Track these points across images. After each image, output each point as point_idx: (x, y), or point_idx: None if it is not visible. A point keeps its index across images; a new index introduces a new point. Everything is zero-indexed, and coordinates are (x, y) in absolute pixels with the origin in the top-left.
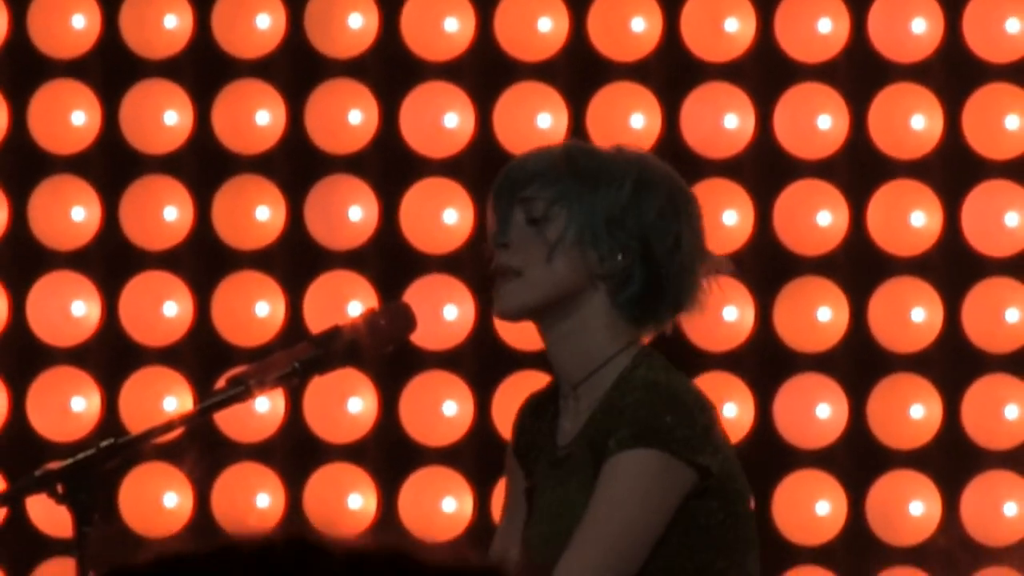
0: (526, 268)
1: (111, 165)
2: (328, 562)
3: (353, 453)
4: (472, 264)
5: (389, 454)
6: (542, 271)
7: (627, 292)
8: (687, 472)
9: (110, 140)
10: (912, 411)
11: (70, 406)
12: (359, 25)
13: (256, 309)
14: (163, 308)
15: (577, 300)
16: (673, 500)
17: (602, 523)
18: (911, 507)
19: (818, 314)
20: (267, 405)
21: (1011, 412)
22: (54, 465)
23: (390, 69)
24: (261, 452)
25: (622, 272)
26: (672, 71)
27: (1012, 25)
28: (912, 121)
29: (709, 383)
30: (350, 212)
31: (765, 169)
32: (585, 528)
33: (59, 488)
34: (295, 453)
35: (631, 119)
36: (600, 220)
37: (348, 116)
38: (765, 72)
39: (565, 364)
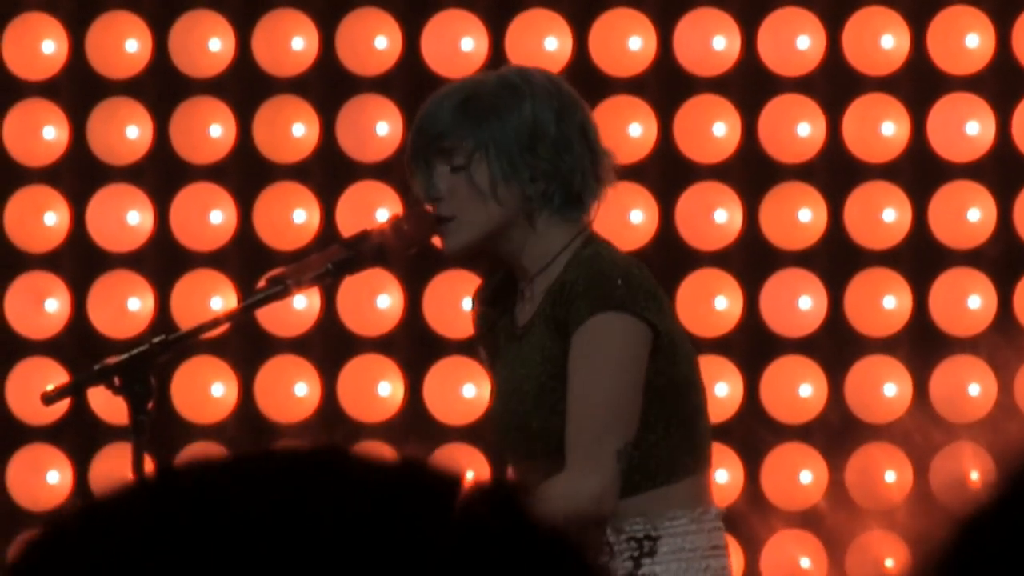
0: (462, 214)
1: (163, 88)
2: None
3: (382, 345)
4: None
5: (414, 346)
6: (479, 213)
7: (555, 203)
8: (643, 327)
9: (161, 65)
10: (885, 302)
11: (127, 306)
12: None
13: (293, 216)
14: (209, 216)
15: (516, 223)
16: (642, 352)
17: (590, 393)
18: (885, 389)
19: (799, 215)
20: (304, 302)
21: (974, 302)
22: (111, 360)
23: (407, 3)
24: (299, 345)
25: (547, 188)
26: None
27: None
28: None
29: (701, 279)
30: (377, 128)
31: (752, 84)
32: (576, 404)
33: (116, 380)
34: (330, 346)
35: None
36: (516, 153)
37: (375, 42)
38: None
39: (521, 266)
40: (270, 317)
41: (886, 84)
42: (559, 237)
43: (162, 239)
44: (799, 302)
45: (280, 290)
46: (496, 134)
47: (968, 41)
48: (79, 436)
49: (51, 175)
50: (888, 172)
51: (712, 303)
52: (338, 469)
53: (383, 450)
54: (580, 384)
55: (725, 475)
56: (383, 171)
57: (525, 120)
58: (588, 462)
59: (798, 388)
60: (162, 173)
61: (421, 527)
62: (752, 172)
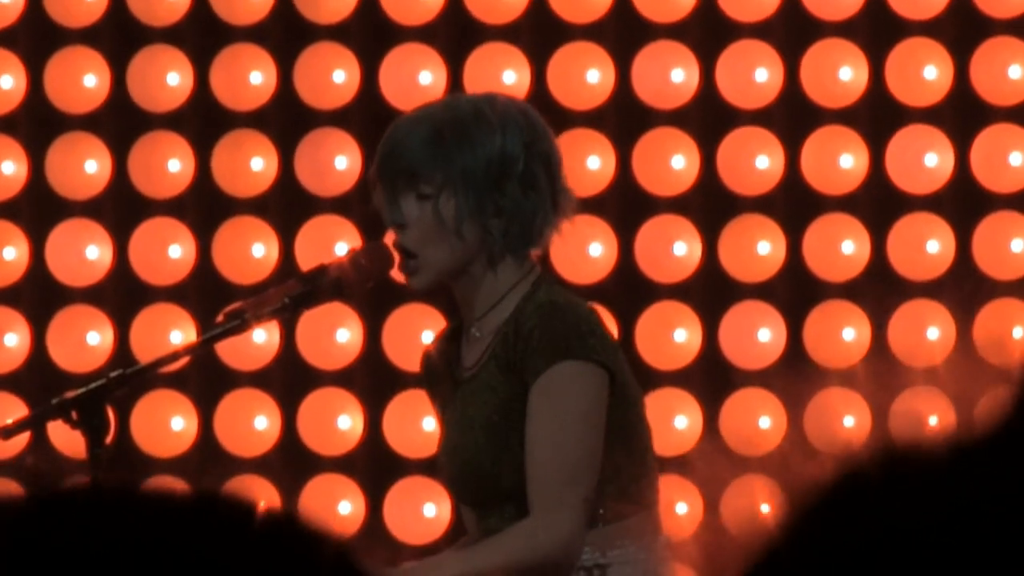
0: (425, 248)
1: (121, 122)
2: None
3: (342, 378)
4: None
5: (374, 379)
6: (442, 248)
7: (511, 239)
8: (601, 372)
9: (119, 100)
10: (844, 334)
11: (86, 340)
12: None
13: (252, 250)
14: (168, 251)
15: (475, 259)
16: (603, 397)
17: (556, 442)
18: (844, 420)
19: (758, 247)
20: (264, 336)
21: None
22: (69, 394)
23: (370, 33)
24: (258, 379)
25: (506, 226)
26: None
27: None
28: (840, 72)
29: (660, 312)
30: (336, 162)
31: (710, 117)
32: (541, 452)
33: (73, 414)
34: (289, 379)
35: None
36: (483, 190)
37: (333, 76)
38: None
39: (469, 304)
40: (230, 351)
41: (844, 116)
42: (509, 273)
43: (121, 273)
44: (758, 334)
45: (239, 324)
46: (467, 170)
47: (926, 72)
48: (40, 468)
49: (10, 210)
50: (847, 204)
51: (671, 335)
52: (130, 504)
53: (336, 483)
54: (544, 434)
55: (684, 507)
56: (342, 205)
57: (495, 154)
58: (557, 509)
59: (758, 420)
60: (121, 207)
61: (213, 555)
62: (711, 204)
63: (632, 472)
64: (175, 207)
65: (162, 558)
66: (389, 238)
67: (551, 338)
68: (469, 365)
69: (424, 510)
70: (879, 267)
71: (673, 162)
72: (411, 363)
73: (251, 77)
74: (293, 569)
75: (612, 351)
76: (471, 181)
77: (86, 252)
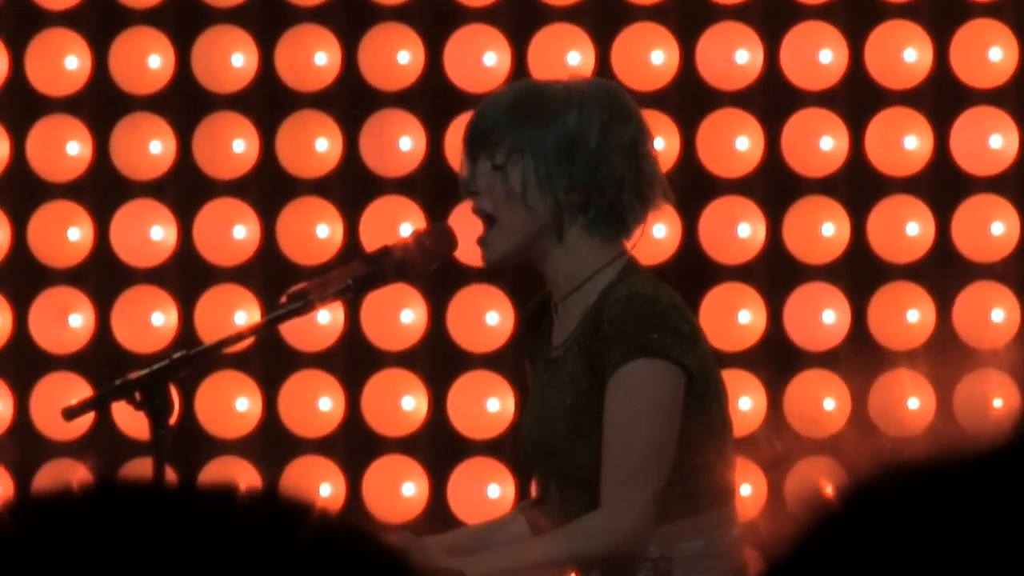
0: (498, 213)
1: (186, 103)
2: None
3: (406, 359)
4: None
5: (438, 360)
6: (513, 216)
7: (590, 216)
8: (678, 371)
9: (184, 81)
10: (908, 315)
11: (150, 321)
12: None
13: (316, 231)
14: (233, 231)
15: (552, 232)
16: (678, 397)
17: (628, 440)
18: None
19: (823, 229)
20: (328, 317)
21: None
22: (133, 375)
23: (435, 14)
24: (322, 360)
25: (582, 201)
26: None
27: (995, 53)
28: (905, 54)
29: (724, 293)
30: (400, 143)
31: (774, 98)
32: (614, 448)
33: (137, 395)
34: (353, 360)
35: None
36: (553, 160)
37: (398, 57)
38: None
39: (554, 282)
40: (294, 332)
41: (909, 97)
42: (592, 256)
43: (185, 254)
44: (823, 316)
45: (303, 305)
46: (535, 137)
47: (991, 54)
48: (102, 451)
49: (75, 190)
50: (911, 185)
51: (736, 317)
52: (187, 502)
53: (399, 464)
54: (616, 430)
55: (748, 489)
56: (406, 186)
57: (568, 128)
58: (624, 504)
59: (822, 402)
60: (185, 188)
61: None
62: (775, 186)
63: (711, 470)
64: (239, 188)
65: (214, 559)
66: (458, 215)
67: (630, 332)
68: (556, 344)
69: (488, 491)
70: (944, 249)
71: (737, 143)
72: (475, 344)
73: (316, 58)
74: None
75: (692, 347)
76: (539, 150)
77: (151, 233)
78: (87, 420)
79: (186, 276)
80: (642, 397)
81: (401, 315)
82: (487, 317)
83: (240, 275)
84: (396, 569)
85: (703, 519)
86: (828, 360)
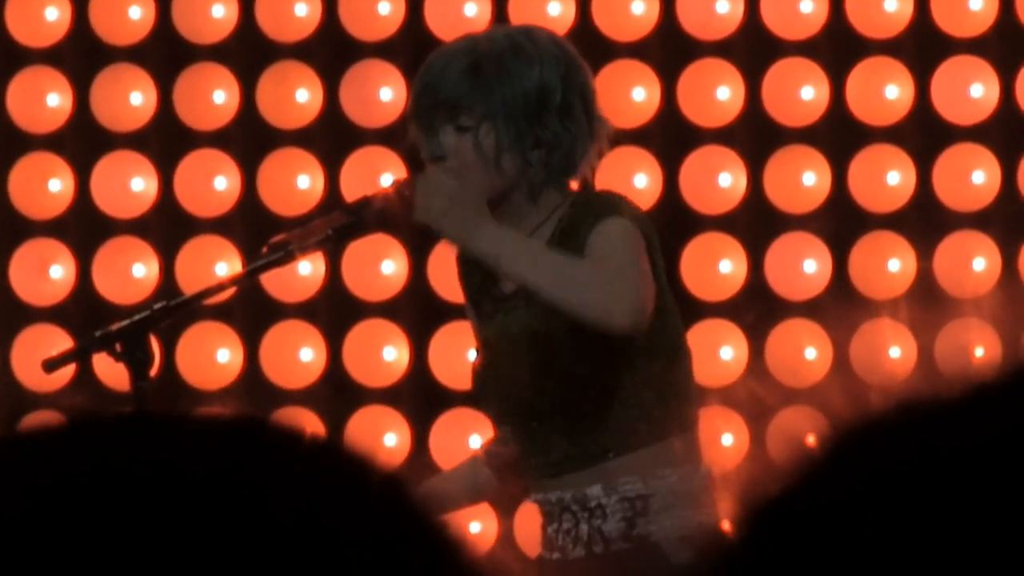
0: (467, 174)
1: (166, 54)
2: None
3: (387, 310)
4: None
5: (419, 310)
6: (481, 179)
7: (553, 167)
8: (641, 235)
9: (164, 33)
10: (890, 264)
11: (131, 272)
12: None
13: (297, 182)
14: (214, 182)
15: (515, 189)
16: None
17: (608, 254)
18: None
19: (804, 178)
20: (309, 268)
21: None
22: (114, 326)
23: None
24: (304, 310)
25: (546, 154)
26: None
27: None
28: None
29: (705, 243)
30: (381, 93)
31: (755, 48)
32: (595, 259)
33: (117, 347)
34: (335, 311)
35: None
36: (523, 121)
37: (378, 7)
38: None
39: (512, 227)
40: (275, 282)
41: (890, 47)
42: (550, 202)
43: (166, 205)
44: (804, 265)
45: (284, 255)
46: (507, 102)
47: (972, 2)
48: (84, 401)
49: (55, 142)
50: (893, 134)
51: (717, 266)
52: (172, 428)
53: (381, 414)
54: (600, 247)
55: (730, 438)
56: (387, 136)
57: (533, 87)
58: (619, 276)
59: (804, 351)
60: (166, 139)
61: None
62: (756, 135)
63: (673, 385)
64: (220, 139)
65: (205, 482)
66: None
67: (596, 212)
68: (510, 286)
69: (470, 441)
70: (925, 198)
71: (718, 93)
72: (456, 294)
73: (296, 8)
74: (341, 493)
75: (653, 234)
76: (511, 113)
77: (131, 184)
78: (68, 372)
79: (167, 227)
80: (619, 237)
81: (382, 265)
82: None
83: (221, 226)
84: (394, 488)
85: (673, 446)
86: (810, 309)
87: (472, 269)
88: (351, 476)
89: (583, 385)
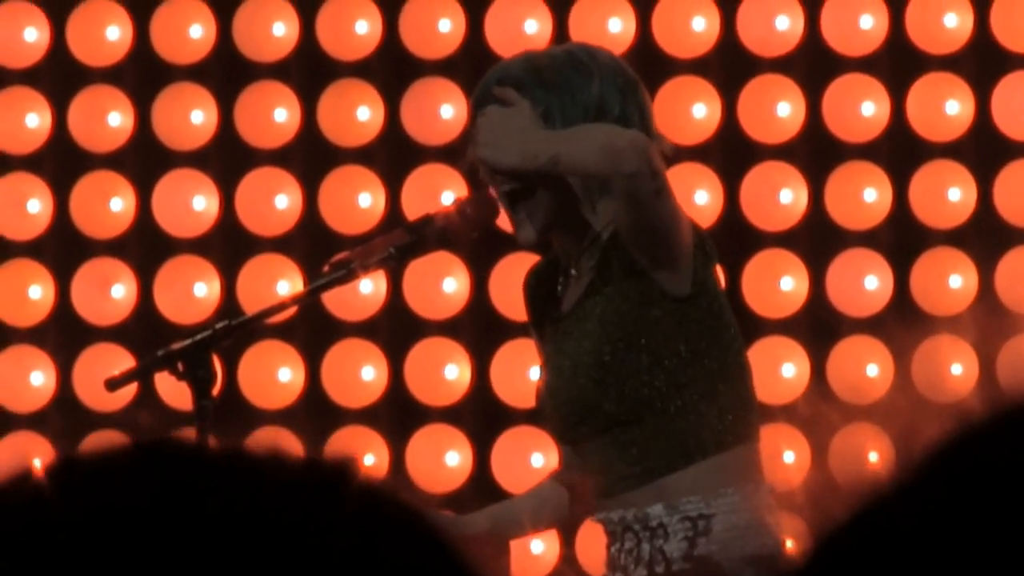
0: (531, 187)
1: (227, 71)
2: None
3: (449, 328)
4: None
5: (481, 329)
6: (546, 196)
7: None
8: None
9: (225, 50)
10: (951, 281)
11: (193, 291)
12: None
13: (359, 200)
14: (275, 201)
15: (583, 198)
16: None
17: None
18: (952, 368)
19: (864, 195)
20: (370, 286)
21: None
22: (176, 345)
23: None
24: (365, 329)
25: None
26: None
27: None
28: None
29: (766, 260)
30: (442, 111)
31: (815, 64)
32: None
33: (179, 366)
34: (396, 329)
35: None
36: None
37: (438, 25)
38: None
39: (569, 245)
40: (336, 301)
41: (950, 63)
42: (604, 215)
43: (228, 224)
44: (865, 282)
45: (345, 274)
46: (565, 110)
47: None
48: (146, 423)
49: (116, 161)
50: (953, 151)
51: (778, 284)
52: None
53: (443, 433)
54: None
55: (792, 456)
56: (448, 154)
57: (593, 98)
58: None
59: (865, 368)
60: (227, 158)
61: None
62: (816, 151)
63: (733, 402)
64: (281, 157)
65: (251, 521)
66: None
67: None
68: (569, 305)
69: (532, 460)
70: (985, 214)
71: (778, 109)
72: (518, 312)
73: (357, 26)
74: (383, 548)
75: (712, 249)
76: (569, 122)
77: (192, 203)
78: (130, 391)
79: (228, 246)
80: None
81: (443, 284)
82: None
83: (282, 244)
84: (435, 539)
85: (734, 460)
86: (871, 326)
87: (536, 292)
88: (392, 530)
89: (642, 404)
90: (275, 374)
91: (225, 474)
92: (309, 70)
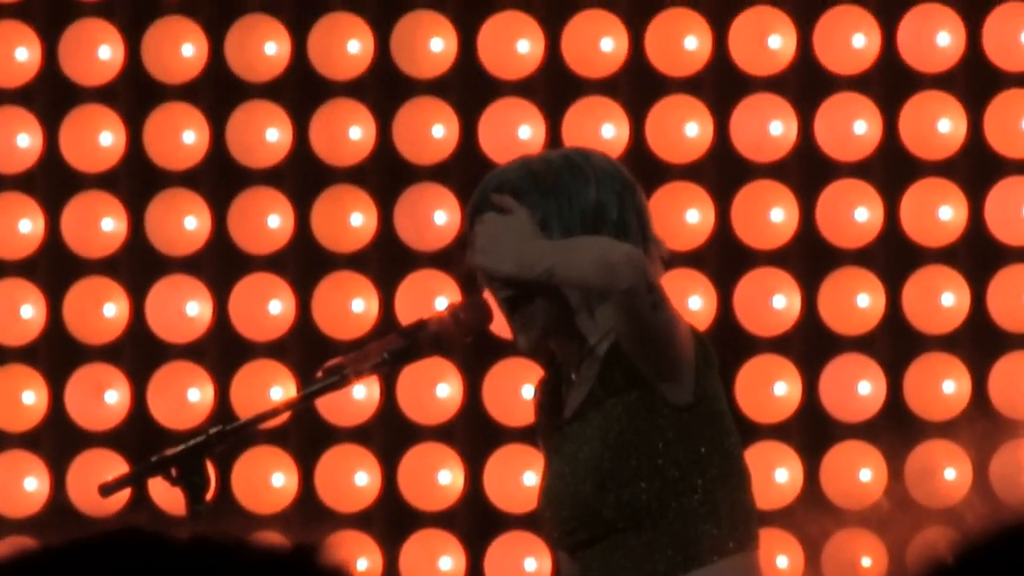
0: (529, 294)
1: (218, 178)
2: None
3: (442, 433)
4: None
5: (475, 434)
6: (545, 295)
7: None
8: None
9: (218, 155)
10: (943, 299)
11: (186, 396)
12: (440, 48)
13: (352, 305)
14: (268, 306)
15: (578, 308)
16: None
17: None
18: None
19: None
20: (363, 392)
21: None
22: (169, 451)
23: (469, 87)
24: (359, 434)
25: None
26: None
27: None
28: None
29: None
30: (435, 216)
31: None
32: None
33: (173, 471)
34: (390, 434)
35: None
36: (578, 233)
37: (432, 130)
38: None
39: (569, 351)
40: (330, 407)
41: (944, 168)
42: (604, 321)
43: (221, 329)
44: (858, 387)
45: (339, 379)
46: (563, 215)
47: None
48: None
49: (110, 266)
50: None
51: (772, 388)
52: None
53: (436, 538)
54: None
55: (785, 561)
56: (441, 260)
57: (589, 205)
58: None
59: (858, 473)
60: (221, 264)
61: None
62: (809, 257)
63: (734, 506)
64: (275, 263)
65: None
66: (490, 295)
67: None
68: (572, 411)
69: (525, 565)
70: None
71: (772, 215)
72: (511, 417)
73: (350, 132)
74: None
75: (711, 353)
76: (567, 227)
77: (186, 308)
78: (124, 496)
79: (222, 351)
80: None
81: (437, 389)
82: (523, 390)
83: (276, 350)
84: None
85: (733, 567)
86: (864, 432)
87: (543, 401)
88: None
89: (641, 510)
90: (269, 479)
91: (190, 557)
92: (303, 175)
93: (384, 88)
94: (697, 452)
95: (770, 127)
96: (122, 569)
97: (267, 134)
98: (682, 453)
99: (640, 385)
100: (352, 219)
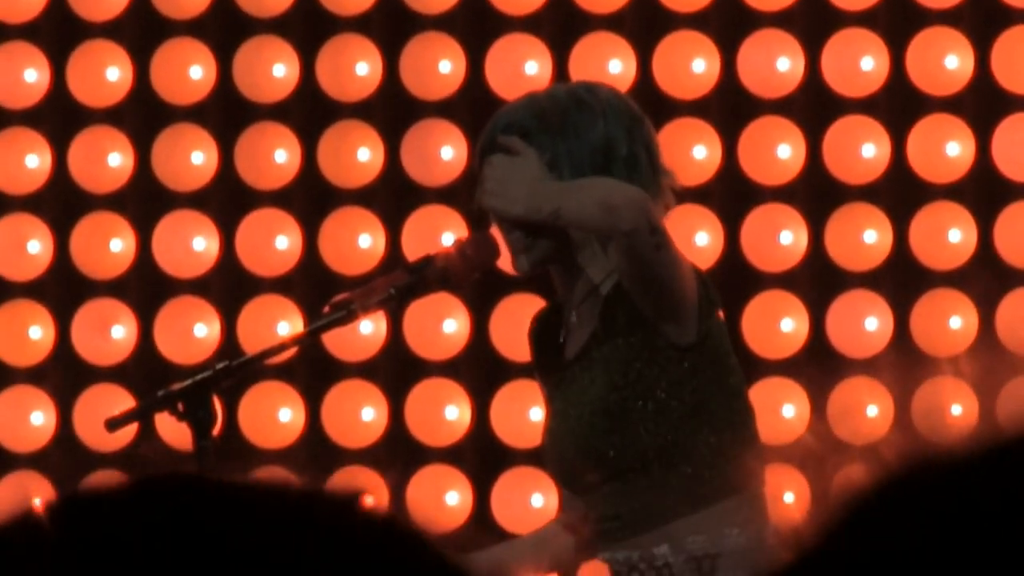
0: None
1: (226, 114)
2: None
3: (449, 369)
4: None
5: (481, 369)
6: (549, 234)
7: None
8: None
9: (224, 92)
10: (951, 322)
11: (193, 332)
12: None
13: (359, 241)
14: (275, 242)
15: (585, 242)
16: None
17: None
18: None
19: (864, 236)
20: (370, 327)
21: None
22: (176, 386)
23: (476, 23)
24: (365, 370)
25: None
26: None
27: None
28: (947, 60)
29: (766, 301)
30: (442, 152)
31: (815, 105)
32: None
33: (179, 406)
34: (396, 370)
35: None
36: (588, 172)
37: (439, 66)
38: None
39: (570, 288)
40: (336, 342)
41: (951, 104)
42: (602, 265)
43: (228, 265)
44: (865, 323)
45: (345, 315)
46: (572, 153)
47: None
48: (145, 462)
49: (116, 202)
50: (952, 192)
51: (778, 325)
52: (230, 496)
53: (443, 473)
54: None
55: (792, 496)
56: (448, 195)
57: (599, 139)
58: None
59: (865, 408)
60: (227, 199)
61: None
62: (817, 193)
63: (737, 444)
64: (281, 198)
65: (259, 553)
66: (496, 231)
67: None
68: (572, 351)
69: (532, 500)
70: (986, 255)
71: (779, 151)
72: (518, 353)
73: (357, 68)
74: (393, 568)
75: (714, 292)
76: (576, 164)
77: (193, 244)
78: (130, 431)
79: (228, 287)
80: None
81: (444, 325)
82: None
83: (282, 285)
84: (446, 565)
85: (739, 504)
86: (870, 367)
87: (540, 337)
88: (404, 553)
89: (648, 451)
90: (275, 414)
91: (231, 506)
92: (309, 111)
93: (391, 23)
94: (702, 392)
95: (777, 63)
96: (156, 520)
97: (274, 69)
98: (687, 394)
99: (643, 326)
100: (359, 154)
